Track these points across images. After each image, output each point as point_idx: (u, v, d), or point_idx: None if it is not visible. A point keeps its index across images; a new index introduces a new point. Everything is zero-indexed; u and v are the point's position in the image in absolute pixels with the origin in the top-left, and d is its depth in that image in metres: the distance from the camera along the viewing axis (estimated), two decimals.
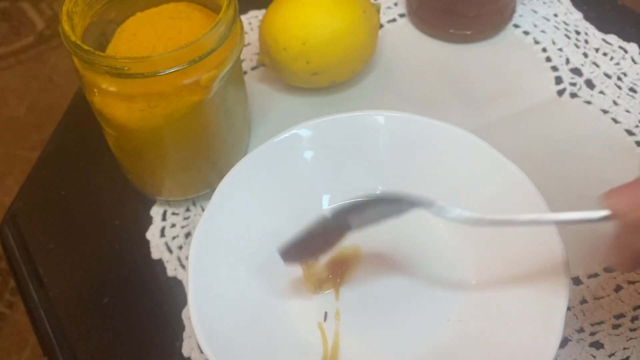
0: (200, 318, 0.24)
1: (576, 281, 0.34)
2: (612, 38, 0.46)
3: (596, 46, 0.45)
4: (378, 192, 0.26)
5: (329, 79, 0.42)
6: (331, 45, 0.40)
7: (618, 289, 0.34)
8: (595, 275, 0.34)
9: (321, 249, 0.27)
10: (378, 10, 0.43)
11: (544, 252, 0.26)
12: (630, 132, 0.40)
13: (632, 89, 0.43)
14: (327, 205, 0.31)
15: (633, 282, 0.34)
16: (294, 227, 0.26)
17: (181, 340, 0.33)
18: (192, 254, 0.27)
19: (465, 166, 0.30)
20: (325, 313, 0.27)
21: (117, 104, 0.32)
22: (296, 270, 0.28)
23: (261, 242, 0.28)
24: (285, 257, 0.26)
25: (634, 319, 0.33)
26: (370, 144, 0.31)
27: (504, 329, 0.25)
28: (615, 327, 0.32)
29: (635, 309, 0.33)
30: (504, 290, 0.26)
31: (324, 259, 0.28)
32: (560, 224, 0.26)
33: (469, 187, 0.29)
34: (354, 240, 0.27)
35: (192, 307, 0.25)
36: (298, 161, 0.31)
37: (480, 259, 0.28)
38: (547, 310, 0.25)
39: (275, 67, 0.42)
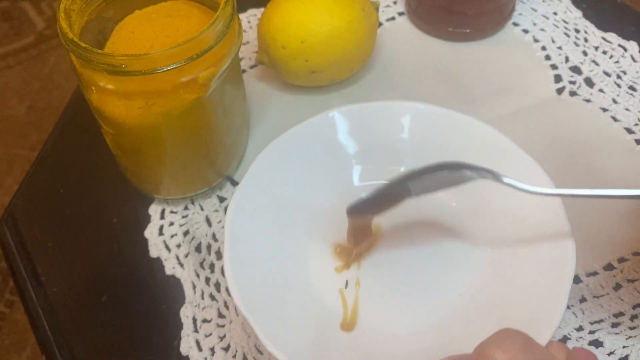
0: (235, 276, 0.27)
1: (575, 279, 0.34)
2: (612, 36, 0.46)
3: (595, 44, 0.45)
4: (440, 162, 0.28)
5: (327, 77, 0.42)
6: (330, 43, 0.40)
7: (617, 287, 0.34)
8: (595, 273, 0.34)
9: (381, 209, 0.29)
10: (377, 9, 0.43)
11: (551, 227, 0.28)
12: (629, 131, 0.40)
13: (631, 87, 0.43)
14: (357, 181, 0.33)
15: (632, 281, 0.34)
16: (324, 200, 0.31)
17: (179, 339, 0.33)
18: (229, 216, 0.29)
19: (475, 150, 0.32)
20: (347, 281, 0.29)
21: (114, 101, 0.32)
22: (323, 243, 0.31)
23: (293, 212, 0.31)
24: (352, 210, 0.29)
25: (633, 317, 0.33)
26: (396, 130, 0.34)
27: (513, 298, 0.27)
28: (615, 325, 0.32)
29: (634, 307, 0.33)
30: (512, 262, 0.29)
31: (350, 233, 0.30)
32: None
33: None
34: (377, 219, 0.31)
35: (227, 265, 0.27)
36: (330, 141, 0.33)
37: (490, 238, 0.30)
38: (554, 281, 0.27)
39: (274, 66, 0.42)
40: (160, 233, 0.37)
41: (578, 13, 0.47)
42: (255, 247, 0.29)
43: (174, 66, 0.30)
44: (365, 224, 0.30)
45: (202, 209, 0.38)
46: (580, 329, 0.32)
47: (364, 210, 0.29)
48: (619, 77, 0.43)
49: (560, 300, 0.26)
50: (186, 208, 0.38)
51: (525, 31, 0.47)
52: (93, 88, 0.32)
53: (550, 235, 0.28)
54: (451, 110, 0.34)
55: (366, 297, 0.29)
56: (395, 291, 0.29)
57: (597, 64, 0.44)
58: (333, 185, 0.32)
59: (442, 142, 0.33)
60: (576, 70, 0.44)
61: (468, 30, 0.46)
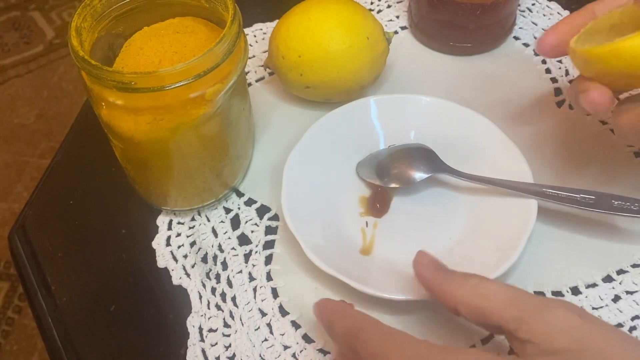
0: (288, 206, 0.36)
1: (575, 291, 0.35)
2: None
3: None
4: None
5: (322, 94, 0.43)
6: (324, 63, 0.40)
7: (616, 299, 0.34)
8: (594, 285, 0.35)
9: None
10: (389, 40, 0.43)
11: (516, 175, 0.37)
12: (637, 154, 0.41)
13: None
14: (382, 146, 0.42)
15: (631, 293, 0.34)
16: (356, 161, 0.41)
17: (186, 348, 0.34)
18: (287, 165, 0.38)
19: (473, 138, 0.40)
20: (366, 222, 0.38)
21: (124, 117, 0.33)
22: (352, 194, 0.40)
23: (337, 168, 0.40)
24: (358, 166, 0.41)
25: (632, 329, 0.33)
26: (417, 117, 0.42)
27: (486, 239, 0.36)
28: None
29: (633, 319, 0.33)
30: (486, 214, 0.38)
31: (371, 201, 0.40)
32: None
33: (478, 157, 0.40)
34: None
35: (284, 198, 0.37)
36: (365, 120, 0.42)
37: (470, 212, 0.39)
38: (518, 225, 0.35)
39: (276, 73, 0.43)
40: (168, 244, 0.38)
41: None
42: (304, 190, 0.38)
43: (182, 83, 0.31)
44: (384, 197, 0.39)
45: (208, 220, 0.39)
46: None
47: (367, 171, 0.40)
48: None
49: (519, 242, 0.34)
50: (193, 219, 0.39)
51: (526, 45, 0.48)
52: (103, 104, 0.33)
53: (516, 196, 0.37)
54: (462, 106, 0.41)
55: (381, 234, 0.38)
56: (403, 233, 0.38)
57: None
58: (364, 151, 0.41)
59: (451, 129, 0.41)
60: None
61: (469, 45, 0.47)
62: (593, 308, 0.34)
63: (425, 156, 0.39)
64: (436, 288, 0.29)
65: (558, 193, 0.36)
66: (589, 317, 0.25)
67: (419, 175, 0.39)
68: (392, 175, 0.39)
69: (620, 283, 0.35)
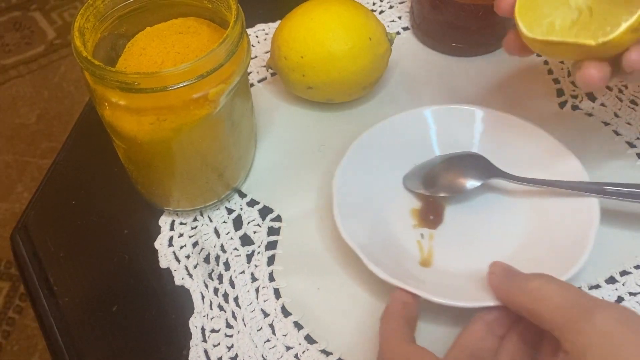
0: (342, 219, 0.35)
1: None
2: None
3: None
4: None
5: (324, 95, 0.43)
6: (326, 64, 0.40)
7: (620, 300, 0.34)
8: (597, 286, 0.35)
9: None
10: (391, 41, 0.43)
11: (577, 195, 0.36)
12: (631, 144, 0.41)
13: (632, 102, 0.43)
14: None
15: (635, 294, 0.34)
16: (406, 170, 0.40)
17: (188, 348, 0.34)
18: (336, 179, 0.37)
19: (525, 148, 0.39)
20: (421, 234, 0.37)
21: (127, 117, 0.33)
22: (406, 207, 0.39)
23: (385, 179, 0.39)
24: (405, 179, 0.40)
25: None
26: (467, 125, 0.41)
27: (549, 244, 0.35)
28: None
29: None
30: (548, 218, 0.37)
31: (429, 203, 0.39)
32: None
33: (527, 161, 0.39)
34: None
35: (336, 209, 0.35)
36: (419, 128, 0.41)
37: (527, 217, 0.37)
38: (581, 226, 0.34)
39: (278, 74, 0.43)
40: (170, 244, 0.38)
41: None
42: (355, 204, 0.37)
43: (185, 84, 0.31)
44: (437, 208, 0.38)
45: (210, 221, 0.39)
46: None
47: (415, 181, 0.39)
48: (620, 91, 0.44)
49: (587, 243, 0.33)
50: (195, 219, 0.39)
51: None
52: (106, 104, 0.33)
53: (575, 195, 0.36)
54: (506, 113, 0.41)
55: (438, 245, 0.37)
56: (461, 242, 0.37)
57: None
58: (409, 163, 0.40)
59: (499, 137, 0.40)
60: None
61: (472, 46, 0.47)
62: None
63: (476, 163, 0.38)
64: (503, 295, 0.29)
65: (619, 190, 0.34)
66: (634, 326, 0.24)
67: (472, 182, 0.37)
68: (442, 184, 0.38)
69: (623, 284, 0.35)
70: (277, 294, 0.35)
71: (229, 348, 0.34)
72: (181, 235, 0.39)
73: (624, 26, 0.28)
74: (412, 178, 0.39)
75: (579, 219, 0.35)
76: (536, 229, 0.36)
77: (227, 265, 0.37)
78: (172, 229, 0.39)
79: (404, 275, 0.33)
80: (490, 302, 0.30)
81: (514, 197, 0.38)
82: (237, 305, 0.35)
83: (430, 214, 0.38)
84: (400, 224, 0.37)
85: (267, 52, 0.49)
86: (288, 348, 0.33)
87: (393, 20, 0.50)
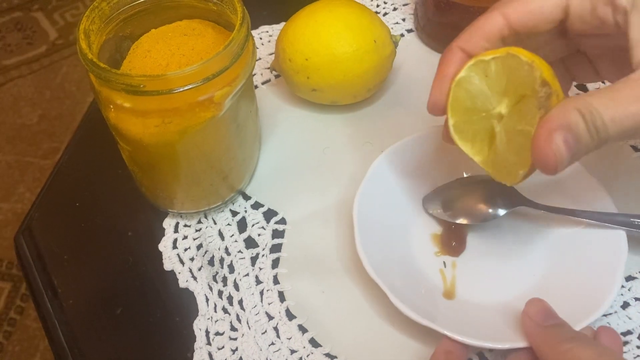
0: (364, 249, 0.34)
1: None
2: None
3: None
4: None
5: (329, 98, 0.43)
6: (331, 66, 0.40)
7: (625, 305, 0.34)
8: None
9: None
10: (395, 43, 0.43)
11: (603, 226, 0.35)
12: (636, 149, 0.41)
13: None
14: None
15: None
16: (421, 196, 0.38)
17: (192, 351, 0.34)
18: (356, 205, 0.35)
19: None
20: (444, 262, 0.36)
21: (132, 119, 0.33)
22: (426, 231, 0.38)
23: (404, 205, 0.38)
24: (425, 200, 0.38)
25: None
26: None
27: (574, 278, 0.34)
28: (623, 344, 0.32)
29: None
30: (573, 252, 0.35)
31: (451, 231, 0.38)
32: None
33: (553, 189, 0.38)
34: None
35: (358, 238, 0.34)
36: (445, 146, 0.38)
37: (552, 246, 0.36)
38: (608, 265, 0.33)
39: (283, 76, 0.43)
40: (174, 246, 0.38)
41: None
42: (376, 231, 0.35)
43: (191, 86, 0.31)
44: (459, 234, 0.37)
45: (215, 223, 0.39)
46: None
47: (435, 202, 0.38)
48: None
49: (615, 279, 0.32)
50: (199, 222, 0.39)
51: None
52: (111, 106, 0.33)
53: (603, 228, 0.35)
54: None
55: (462, 274, 0.36)
56: (485, 272, 0.36)
57: (603, 82, 0.45)
58: (429, 185, 0.39)
59: None
60: (582, 87, 0.45)
61: None
62: (602, 315, 0.34)
63: (500, 189, 0.36)
64: (534, 344, 0.29)
65: None
66: None
67: (497, 210, 0.36)
68: (464, 210, 0.36)
69: (629, 290, 0.35)
70: (281, 296, 0.35)
71: (234, 351, 0.34)
72: (185, 237, 0.39)
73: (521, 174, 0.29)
74: (433, 201, 0.38)
75: (606, 250, 0.34)
76: (561, 258, 0.35)
77: (231, 268, 0.37)
78: (176, 231, 0.39)
79: (432, 313, 0.32)
80: (521, 344, 0.30)
81: (538, 224, 0.37)
82: (242, 308, 0.35)
83: (453, 240, 0.36)
84: (421, 252, 0.36)
85: (271, 54, 0.49)
86: (292, 351, 0.33)
87: (397, 23, 0.50)
